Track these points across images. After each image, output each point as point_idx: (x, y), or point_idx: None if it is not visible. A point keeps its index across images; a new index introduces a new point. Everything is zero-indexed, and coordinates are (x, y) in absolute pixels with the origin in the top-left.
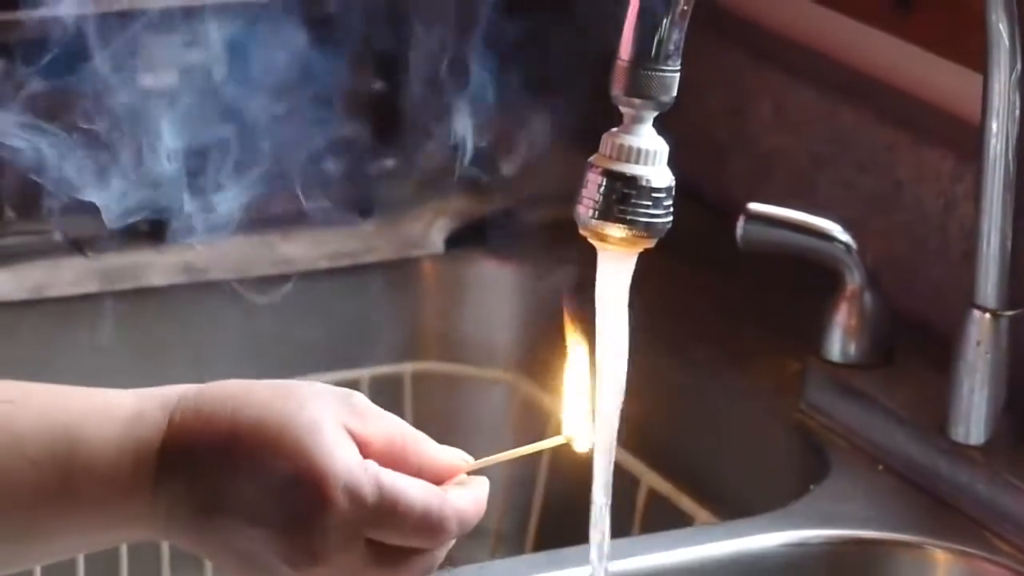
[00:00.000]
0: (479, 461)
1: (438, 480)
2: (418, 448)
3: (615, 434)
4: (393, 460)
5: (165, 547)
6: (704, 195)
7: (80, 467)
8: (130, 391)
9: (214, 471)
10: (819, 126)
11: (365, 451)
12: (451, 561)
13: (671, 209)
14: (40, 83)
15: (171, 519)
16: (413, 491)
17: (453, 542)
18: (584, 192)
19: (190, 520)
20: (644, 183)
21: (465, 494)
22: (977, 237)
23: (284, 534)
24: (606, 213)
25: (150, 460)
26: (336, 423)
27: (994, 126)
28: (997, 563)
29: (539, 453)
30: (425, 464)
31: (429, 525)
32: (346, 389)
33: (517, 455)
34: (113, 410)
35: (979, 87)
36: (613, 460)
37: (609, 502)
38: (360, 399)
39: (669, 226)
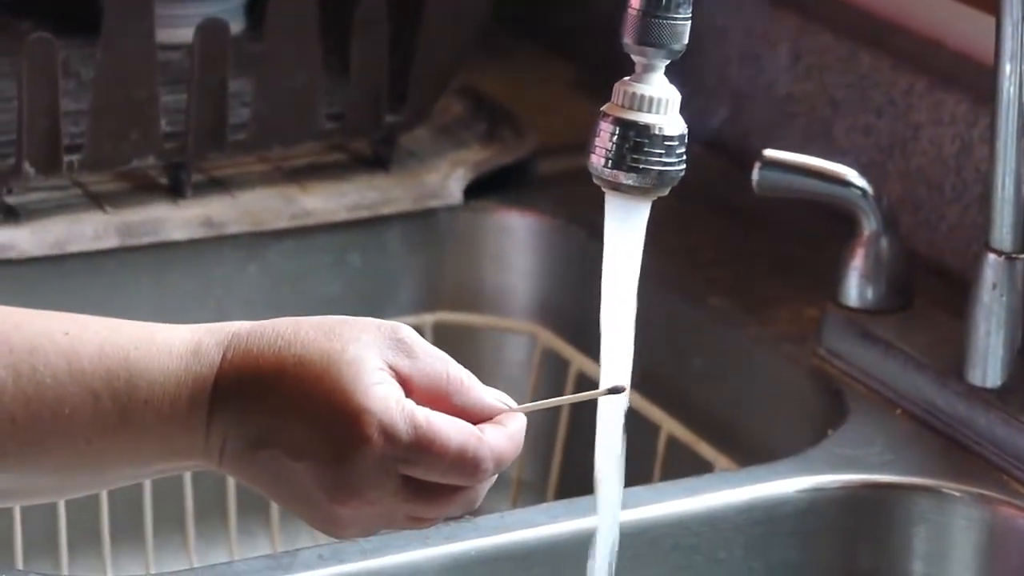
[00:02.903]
0: (523, 406)
1: (480, 421)
2: (461, 387)
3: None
4: (436, 398)
5: (189, 493)
6: (721, 142)
7: (140, 400)
8: (186, 326)
9: (261, 408)
10: (837, 71)
11: (408, 388)
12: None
13: (684, 157)
14: None
15: (224, 452)
16: (449, 430)
17: (494, 479)
18: (597, 141)
19: (240, 454)
20: (656, 131)
21: (501, 432)
22: (991, 180)
23: (323, 468)
24: (619, 162)
25: (205, 396)
26: (379, 362)
27: (1007, 69)
28: (1015, 505)
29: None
30: (468, 404)
31: (465, 464)
32: (396, 323)
33: (562, 402)
34: (173, 345)
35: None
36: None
37: (623, 455)
38: (408, 334)
39: (682, 175)
